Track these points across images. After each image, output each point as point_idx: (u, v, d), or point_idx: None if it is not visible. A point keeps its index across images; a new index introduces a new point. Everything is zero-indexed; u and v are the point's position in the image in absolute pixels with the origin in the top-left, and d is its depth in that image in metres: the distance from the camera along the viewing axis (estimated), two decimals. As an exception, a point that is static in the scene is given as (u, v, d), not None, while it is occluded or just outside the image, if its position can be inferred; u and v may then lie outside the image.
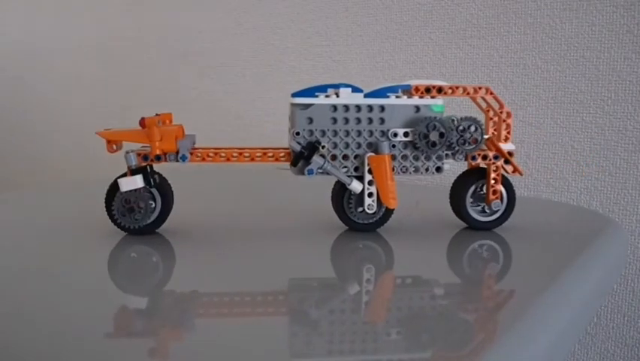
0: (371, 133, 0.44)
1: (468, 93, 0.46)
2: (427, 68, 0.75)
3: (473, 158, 0.46)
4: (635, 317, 0.64)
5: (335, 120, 0.44)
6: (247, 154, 0.45)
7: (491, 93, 0.46)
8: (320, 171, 0.44)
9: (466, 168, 0.49)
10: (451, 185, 0.49)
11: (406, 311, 0.32)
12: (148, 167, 0.44)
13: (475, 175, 0.48)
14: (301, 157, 0.44)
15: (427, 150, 0.44)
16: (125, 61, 1.10)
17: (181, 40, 1.01)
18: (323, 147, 0.44)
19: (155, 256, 0.42)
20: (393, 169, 0.45)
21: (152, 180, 0.44)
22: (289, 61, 0.88)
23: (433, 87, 0.45)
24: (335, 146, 0.45)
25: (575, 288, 0.37)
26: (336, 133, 0.44)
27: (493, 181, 0.46)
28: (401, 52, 0.77)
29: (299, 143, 0.44)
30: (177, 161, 0.44)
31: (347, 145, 0.45)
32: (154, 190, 0.45)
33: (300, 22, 0.86)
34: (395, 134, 0.44)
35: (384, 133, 0.44)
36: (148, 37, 1.06)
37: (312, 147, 0.44)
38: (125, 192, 0.43)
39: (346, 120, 0.44)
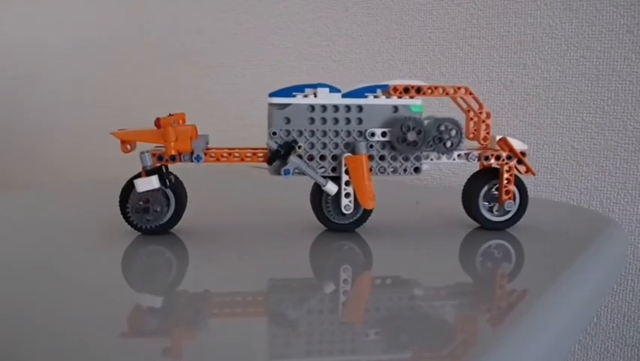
0: (349, 133, 0.44)
1: (447, 93, 0.45)
2: (427, 68, 0.75)
3: (486, 158, 0.46)
4: (635, 316, 0.64)
5: (312, 120, 0.44)
6: (261, 154, 0.45)
7: (470, 93, 0.46)
8: (297, 171, 0.44)
9: (478, 169, 0.48)
10: (463, 185, 0.49)
11: (385, 312, 0.32)
12: (163, 167, 0.44)
13: (488, 175, 0.47)
14: (277, 156, 0.43)
15: (404, 151, 0.44)
16: (125, 61, 1.10)
17: (181, 41, 1.01)
18: (299, 146, 0.44)
19: (168, 255, 0.42)
20: (370, 170, 0.45)
21: (167, 180, 0.44)
22: (289, 61, 0.88)
23: (412, 87, 0.45)
24: (312, 146, 0.44)
25: (575, 288, 0.37)
26: (313, 133, 0.44)
27: (505, 181, 0.46)
28: (401, 52, 0.77)
29: (276, 143, 0.44)
30: (192, 161, 0.44)
31: (324, 145, 0.44)
32: (168, 191, 0.45)
33: (300, 22, 0.86)
34: (373, 135, 0.44)
35: (361, 133, 0.44)
36: (148, 37, 1.06)
37: (289, 147, 0.44)
38: (141, 192, 0.43)
39: (324, 120, 0.44)
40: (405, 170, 0.45)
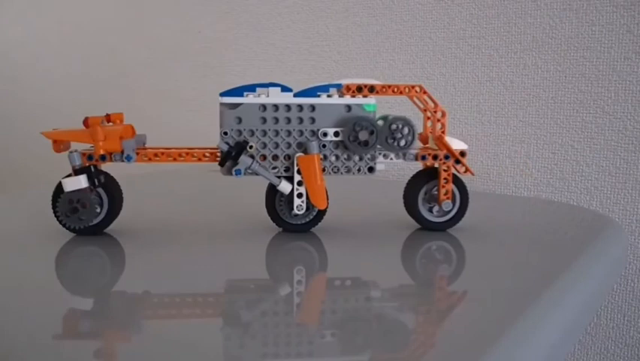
0: (301, 133, 0.44)
1: (400, 92, 0.45)
2: (427, 68, 0.75)
3: (423, 157, 0.46)
4: (635, 316, 0.64)
5: (264, 120, 0.44)
6: (195, 154, 0.44)
7: (425, 92, 0.46)
8: (249, 171, 0.44)
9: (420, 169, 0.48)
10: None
11: (341, 313, 0.31)
12: (92, 167, 0.44)
13: (428, 175, 0.47)
14: (229, 157, 0.43)
15: (356, 150, 0.44)
16: (125, 61, 1.10)
17: (181, 41, 1.01)
18: (251, 146, 0.43)
19: (102, 256, 0.42)
20: (324, 169, 0.44)
21: (96, 179, 0.43)
22: (289, 61, 0.88)
23: (365, 86, 0.44)
24: (264, 146, 0.44)
25: (575, 288, 0.37)
26: (265, 133, 0.44)
27: (444, 181, 0.46)
28: (401, 52, 0.77)
29: (227, 143, 0.43)
30: (123, 161, 0.43)
31: (277, 145, 0.44)
32: (101, 190, 0.45)
33: (300, 22, 0.86)
34: (325, 134, 0.44)
35: (314, 133, 0.44)
36: (148, 38, 1.06)
37: (240, 147, 0.43)
38: (69, 192, 0.43)
39: (276, 120, 0.44)
40: (359, 170, 0.45)
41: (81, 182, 0.43)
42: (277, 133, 0.44)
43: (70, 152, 0.43)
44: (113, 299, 0.34)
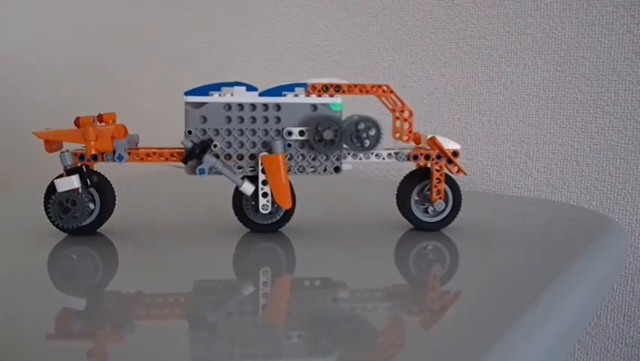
0: (266, 132, 0.44)
1: (367, 92, 0.45)
2: (427, 68, 0.75)
3: (415, 157, 0.46)
4: (635, 317, 0.64)
5: (229, 119, 0.44)
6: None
7: (391, 92, 0.45)
8: (213, 170, 0.43)
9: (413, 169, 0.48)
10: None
11: (308, 314, 0.31)
12: (84, 167, 0.44)
13: (421, 175, 0.47)
14: (192, 155, 0.43)
15: (321, 150, 0.44)
16: (125, 61, 1.10)
17: (181, 40, 1.01)
18: (215, 145, 0.43)
19: (95, 256, 0.42)
20: (289, 169, 0.44)
21: (88, 180, 0.43)
22: (289, 61, 0.88)
23: (331, 85, 0.44)
24: (229, 145, 0.44)
25: (575, 288, 0.37)
26: (230, 132, 0.44)
27: (436, 181, 0.46)
28: (401, 52, 0.77)
29: (192, 141, 0.43)
30: (114, 161, 0.43)
31: (242, 144, 0.44)
32: (93, 190, 0.44)
33: (300, 22, 0.86)
34: (290, 133, 0.44)
35: (279, 132, 0.44)
36: (148, 37, 1.06)
37: (204, 146, 0.43)
38: (61, 192, 0.43)
39: (241, 119, 0.44)
40: (325, 169, 0.45)
41: (73, 182, 0.43)
42: (242, 132, 0.44)
43: (62, 152, 0.43)
44: (106, 299, 0.34)
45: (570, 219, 0.56)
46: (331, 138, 0.43)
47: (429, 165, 0.46)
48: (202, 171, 0.43)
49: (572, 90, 0.66)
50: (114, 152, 0.43)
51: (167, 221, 0.51)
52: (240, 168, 0.44)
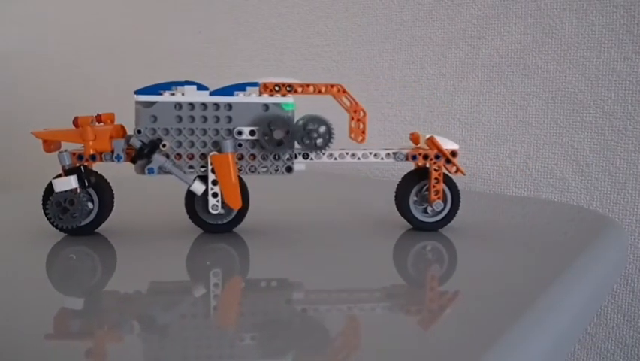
0: (217, 132, 0.43)
1: (319, 92, 0.45)
2: (427, 68, 0.75)
3: (414, 157, 0.46)
4: (635, 316, 0.64)
5: (180, 118, 0.43)
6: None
7: (344, 92, 0.45)
8: (163, 170, 0.43)
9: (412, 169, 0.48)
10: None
11: (261, 316, 0.31)
12: (83, 167, 0.43)
13: (419, 175, 0.47)
14: (141, 155, 0.43)
15: (271, 149, 0.44)
16: (125, 61, 1.10)
17: (181, 40, 1.01)
18: (164, 145, 0.43)
19: (93, 256, 0.42)
20: (240, 169, 0.44)
21: (87, 180, 0.43)
22: (289, 61, 0.88)
23: (283, 85, 0.44)
24: (180, 145, 0.43)
25: (575, 288, 0.37)
26: (180, 132, 0.43)
27: (434, 181, 0.46)
28: (401, 52, 0.77)
29: (141, 141, 0.43)
30: (113, 161, 0.43)
31: (192, 144, 0.44)
32: (91, 190, 0.44)
33: (300, 22, 0.86)
34: (240, 133, 0.43)
35: (230, 132, 0.43)
36: (148, 38, 1.06)
37: (153, 145, 0.43)
38: (59, 192, 0.43)
39: (192, 119, 0.43)
40: (276, 169, 0.44)
41: (71, 182, 0.43)
42: (192, 132, 0.43)
43: (60, 152, 0.43)
44: (104, 299, 0.34)
45: (570, 219, 0.56)
46: (281, 137, 0.43)
47: (427, 165, 0.46)
48: (151, 171, 0.43)
49: (572, 90, 0.66)
50: (112, 152, 0.43)
51: (167, 221, 0.51)
52: (191, 167, 0.44)
